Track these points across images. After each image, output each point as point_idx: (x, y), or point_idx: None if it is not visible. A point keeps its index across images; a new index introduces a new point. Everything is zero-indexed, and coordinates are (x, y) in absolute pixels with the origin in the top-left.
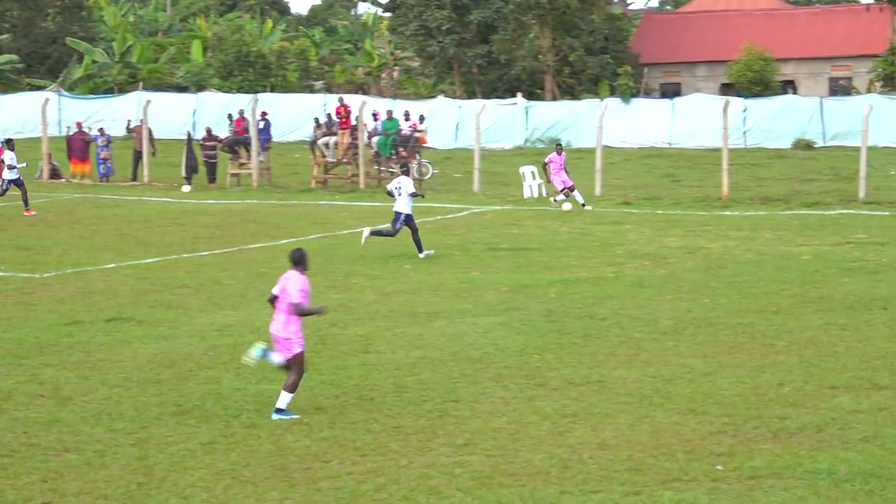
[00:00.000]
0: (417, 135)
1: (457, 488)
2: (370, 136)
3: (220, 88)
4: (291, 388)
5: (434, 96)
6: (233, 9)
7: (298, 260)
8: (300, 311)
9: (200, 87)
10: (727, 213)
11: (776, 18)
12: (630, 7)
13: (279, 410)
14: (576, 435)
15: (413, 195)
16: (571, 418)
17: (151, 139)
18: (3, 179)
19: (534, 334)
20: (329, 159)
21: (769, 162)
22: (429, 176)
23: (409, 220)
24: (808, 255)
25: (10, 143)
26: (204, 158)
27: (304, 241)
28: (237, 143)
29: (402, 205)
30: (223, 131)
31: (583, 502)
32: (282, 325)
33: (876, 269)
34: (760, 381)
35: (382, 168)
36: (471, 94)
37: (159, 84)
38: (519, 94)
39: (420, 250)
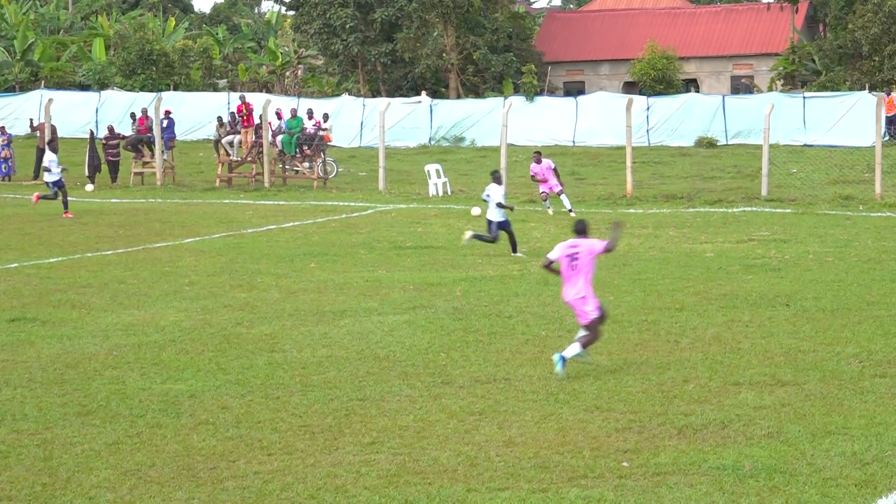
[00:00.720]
0: (322, 133)
1: (364, 487)
2: (275, 134)
3: (122, 87)
4: (584, 345)
5: (338, 95)
6: (135, 7)
7: (584, 229)
8: (613, 248)
9: (103, 86)
10: (631, 210)
11: (678, 17)
12: (533, 6)
13: (564, 359)
14: (482, 433)
15: (500, 205)
16: (478, 416)
17: (54, 136)
18: (48, 182)
19: (440, 332)
20: (233, 158)
21: (672, 160)
22: (334, 174)
23: (502, 226)
24: (712, 253)
25: (51, 145)
26: (107, 157)
27: (208, 239)
28: (140, 141)
29: (493, 213)
30: (126, 130)
31: (489, 500)
32: (578, 291)
33: (778, 266)
34: (665, 378)
35: (287, 167)
36: (375, 93)
37: (61, 82)
38: (423, 93)
39: (514, 250)
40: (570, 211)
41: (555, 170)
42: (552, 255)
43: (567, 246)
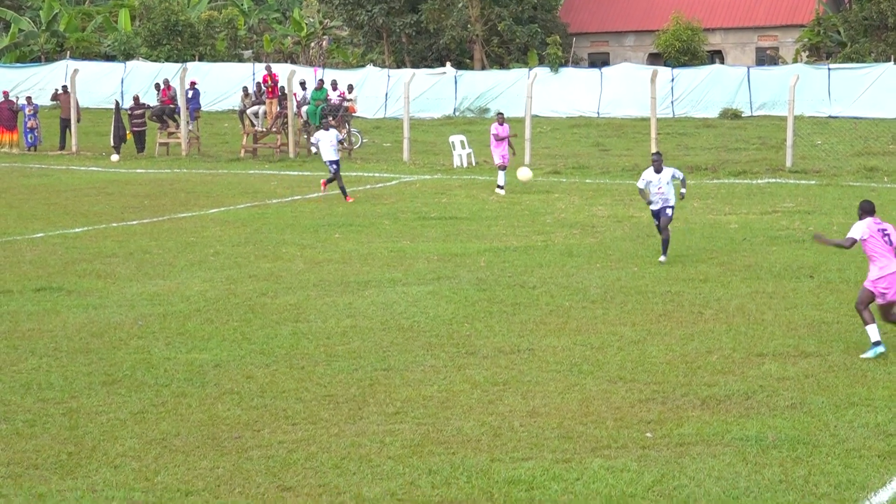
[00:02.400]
0: (347, 104)
1: (388, 456)
2: (299, 105)
3: (148, 57)
4: None
5: (363, 66)
6: None
7: (872, 209)
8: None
9: (128, 56)
10: None
11: None
12: None
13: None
14: (506, 403)
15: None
16: (501, 386)
17: (76, 107)
18: (328, 161)
19: (464, 303)
20: (258, 129)
21: (697, 131)
22: (358, 145)
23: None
24: (736, 224)
25: (324, 122)
26: (132, 128)
27: (233, 210)
28: (164, 112)
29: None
30: (152, 100)
31: (513, 469)
32: None
33: (802, 237)
34: (689, 348)
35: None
36: (400, 64)
37: (87, 53)
38: (448, 64)
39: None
40: (500, 188)
41: (513, 136)
42: (856, 235)
43: (874, 222)
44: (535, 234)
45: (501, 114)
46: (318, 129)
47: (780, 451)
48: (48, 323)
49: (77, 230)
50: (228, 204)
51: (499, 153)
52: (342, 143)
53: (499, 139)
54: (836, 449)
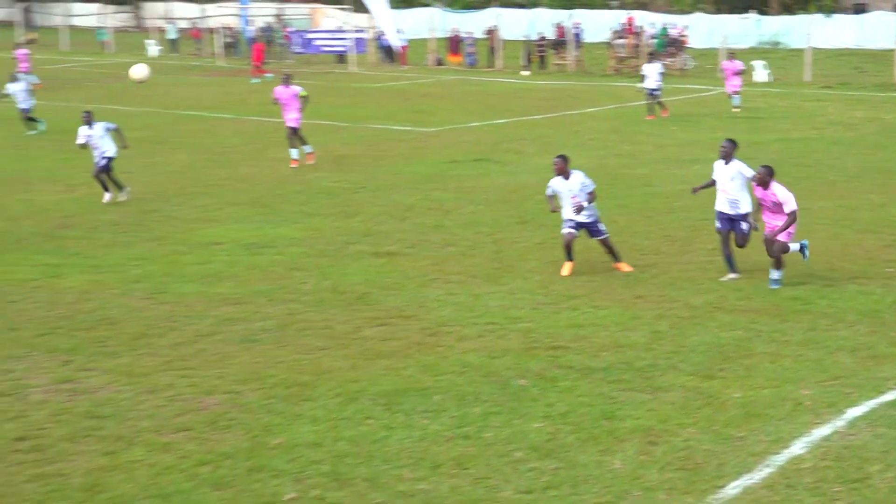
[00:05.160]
0: (682, 37)
1: (707, 278)
2: (648, 39)
3: (550, 6)
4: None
5: (692, 12)
6: None
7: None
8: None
9: (534, 5)
10: None
11: None
12: None
13: None
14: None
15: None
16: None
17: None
18: (647, 87)
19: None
20: (621, 54)
21: None
22: (690, 67)
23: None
24: None
25: (650, 57)
26: (536, 52)
27: (603, 109)
28: (558, 43)
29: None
30: (549, 35)
31: (793, 291)
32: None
33: None
34: None
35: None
36: (719, 11)
37: (507, 2)
38: (753, 11)
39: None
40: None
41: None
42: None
43: None
44: (810, 129)
45: (733, 52)
46: (660, 55)
47: None
48: (481, 182)
49: (500, 121)
50: (601, 105)
51: (729, 85)
52: (663, 75)
53: (734, 73)
54: None
